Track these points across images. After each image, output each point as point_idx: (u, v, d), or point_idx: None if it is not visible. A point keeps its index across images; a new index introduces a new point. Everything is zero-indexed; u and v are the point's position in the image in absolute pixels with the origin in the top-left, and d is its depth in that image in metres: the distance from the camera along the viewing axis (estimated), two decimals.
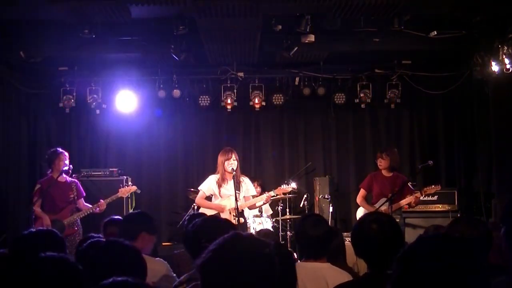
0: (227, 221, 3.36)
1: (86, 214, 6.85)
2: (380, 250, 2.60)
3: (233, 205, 6.30)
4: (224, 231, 2.16)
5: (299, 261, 3.54)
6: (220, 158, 6.52)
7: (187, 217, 7.41)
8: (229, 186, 6.45)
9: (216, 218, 3.28)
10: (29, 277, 1.79)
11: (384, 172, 7.04)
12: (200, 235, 2.77)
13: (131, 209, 8.02)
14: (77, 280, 1.86)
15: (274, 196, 6.80)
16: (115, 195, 7.11)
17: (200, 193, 6.69)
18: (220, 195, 6.54)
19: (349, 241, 4.61)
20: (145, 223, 3.70)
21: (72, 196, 6.89)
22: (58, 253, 1.96)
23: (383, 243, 2.60)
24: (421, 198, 7.02)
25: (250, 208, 6.91)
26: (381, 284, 2.50)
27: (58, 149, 7.02)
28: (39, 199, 6.73)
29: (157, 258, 3.73)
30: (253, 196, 6.69)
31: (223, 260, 1.66)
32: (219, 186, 6.54)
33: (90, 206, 6.90)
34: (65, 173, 6.87)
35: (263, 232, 4.86)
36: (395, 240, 2.64)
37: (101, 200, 6.89)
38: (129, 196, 7.65)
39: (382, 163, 7.00)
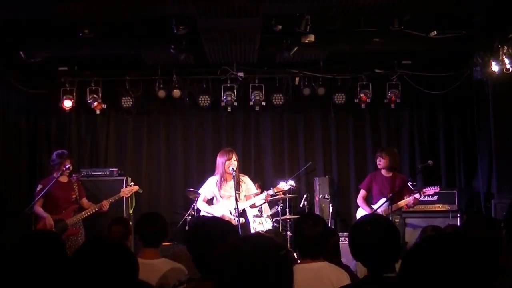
0: (229, 223, 3.36)
1: (88, 214, 6.85)
2: (376, 252, 2.57)
3: (233, 205, 6.29)
4: (227, 232, 2.16)
5: (299, 261, 3.54)
6: (220, 159, 6.49)
7: (188, 218, 7.43)
8: (229, 186, 6.44)
9: (218, 219, 3.27)
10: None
11: (384, 172, 7.04)
12: (203, 237, 2.76)
13: (131, 209, 8.01)
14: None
15: (273, 194, 6.78)
16: (117, 194, 7.11)
17: (200, 197, 6.66)
18: (220, 196, 6.53)
19: (345, 240, 4.64)
20: (165, 229, 3.81)
21: (74, 196, 6.89)
22: (58, 255, 1.97)
23: (378, 245, 2.57)
24: (420, 199, 7.01)
25: (251, 207, 6.90)
26: (379, 287, 2.49)
27: (64, 151, 7.03)
28: (41, 199, 6.74)
29: (179, 264, 3.73)
30: (254, 195, 6.68)
31: (241, 257, 1.67)
32: (219, 187, 6.51)
33: (94, 205, 6.90)
34: (66, 174, 6.89)
35: (271, 232, 4.87)
36: (391, 242, 2.60)
37: (104, 201, 6.89)
38: (130, 195, 7.66)
39: (381, 162, 7.00)
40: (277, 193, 6.90)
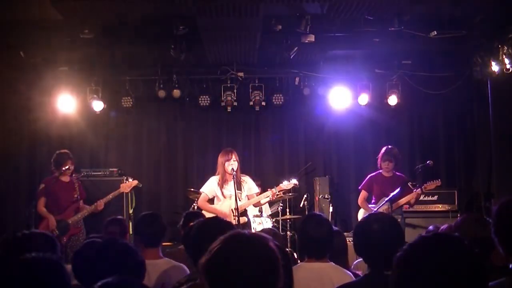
0: (228, 222, 3.36)
1: (88, 213, 6.88)
2: (381, 250, 2.60)
3: (234, 205, 6.29)
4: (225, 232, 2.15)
5: (299, 261, 3.54)
6: (220, 159, 6.50)
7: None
8: (230, 186, 6.44)
9: (217, 219, 3.27)
10: (13, 277, 1.80)
11: (384, 173, 7.04)
12: (202, 237, 2.76)
13: (131, 208, 8.02)
14: (62, 279, 1.87)
15: (277, 193, 6.76)
16: (117, 190, 7.14)
17: (202, 196, 6.65)
18: (223, 196, 6.53)
19: (350, 241, 4.62)
20: (164, 228, 3.79)
21: (75, 195, 6.92)
22: (50, 254, 1.97)
23: (384, 243, 2.60)
24: (422, 196, 7.00)
25: (256, 206, 6.90)
26: (380, 285, 2.50)
27: (66, 152, 7.05)
28: (43, 198, 6.75)
29: (181, 264, 3.73)
30: (257, 194, 6.67)
31: (225, 259, 1.67)
32: (221, 187, 6.52)
33: (89, 207, 6.91)
34: (67, 174, 6.90)
35: (266, 232, 4.86)
36: (396, 241, 2.63)
37: (99, 201, 6.91)
38: (129, 194, 7.66)
39: (389, 166, 6.97)
40: (280, 192, 6.89)
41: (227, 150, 6.58)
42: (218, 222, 2.92)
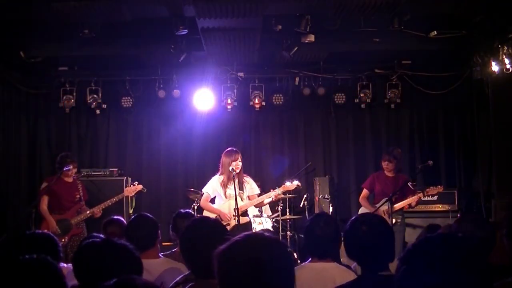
0: (218, 222, 3.36)
1: (86, 217, 6.88)
2: (370, 251, 2.56)
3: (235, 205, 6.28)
4: (217, 232, 2.15)
5: (299, 261, 3.54)
6: (226, 159, 6.43)
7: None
8: (233, 186, 6.41)
9: (207, 220, 3.26)
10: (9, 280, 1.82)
11: (387, 173, 7.04)
12: (194, 237, 2.76)
13: (131, 209, 8.01)
14: (57, 279, 1.88)
15: (279, 193, 6.74)
16: (121, 194, 7.14)
17: (204, 195, 6.60)
18: (225, 196, 6.50)
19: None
20: (157, 229, 3.75)
21: (78, 196, 6.93)
22: (53, 256, 1.98)
23: (373, 244, 2.56)
24: (423, 198, 7.00)
25: (257, 206, 6.89)
26: (374, 286, 2.49)
27: (68, 154, 7.07)
28: (46, 196, 6.76)
29: (180, 264, 3.71)
30: (258, 195, 6.66)
31: (243, 253, 1.68)
32: (224, 186, 6.48)
33: (88, 210, 6.91)
34: (69, 174, 6.91)
35: (270, 233, 4.87)
36: (386, 242, 2.59)
37: (95, 208, 6.90)
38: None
39: (389, 166, 6.96)
40: (283, 193, 6.87)
41: (233, 150, 6.52)
42: (209, 223, 2.93)
